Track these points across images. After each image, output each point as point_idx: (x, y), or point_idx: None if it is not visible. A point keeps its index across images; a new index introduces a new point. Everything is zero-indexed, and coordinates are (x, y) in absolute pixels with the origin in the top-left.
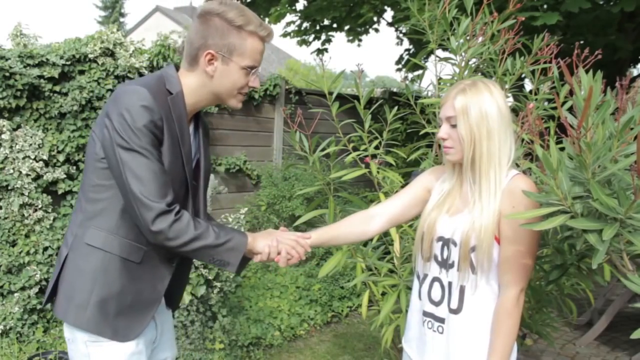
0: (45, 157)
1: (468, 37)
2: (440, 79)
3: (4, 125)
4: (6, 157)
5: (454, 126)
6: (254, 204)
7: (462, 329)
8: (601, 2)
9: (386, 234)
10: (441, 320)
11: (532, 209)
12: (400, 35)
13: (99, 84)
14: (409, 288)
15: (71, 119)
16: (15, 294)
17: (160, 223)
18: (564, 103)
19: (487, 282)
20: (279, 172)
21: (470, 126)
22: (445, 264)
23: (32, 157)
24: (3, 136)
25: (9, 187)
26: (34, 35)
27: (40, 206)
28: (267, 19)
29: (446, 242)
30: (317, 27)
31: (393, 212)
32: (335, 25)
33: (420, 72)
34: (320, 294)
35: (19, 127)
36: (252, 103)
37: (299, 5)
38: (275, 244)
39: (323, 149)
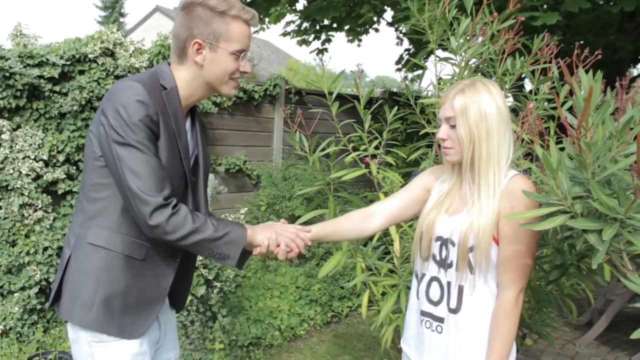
0: (45, 157)
1: (468, 37)
2: (440, 79)
3: (4, 125)
4: (6, 157)
5: (453, 126)
6: (254, 204)
7: (461, 329)
8: (601, 2)
9: (386, 233)
10: (440, 320)
11: (531, 209)
12: (400, 35)
13: (98, 84)
14: (409, 288)
15: (71, 119)
16: (15, 294)
17: (157, 217)
18: (564, 103)
19: (485, 282)
20: (279, 172)
21: (470, 126)
22: (443, 264)
23: (32, 157)
24: (3, 136)
25: (9, 187)
26: (34, 35)
27: (40, 206)
28: (267, 19)
29: (445, 242)
30: (317, 27)
31: (392, 211)
32: (335, 25)
33: (420, 72)
34: (320, 294)
35: (19, 127)
36: (252, 103)
37: (299, 5)
38: (274, 236)
39: (323, 149)
